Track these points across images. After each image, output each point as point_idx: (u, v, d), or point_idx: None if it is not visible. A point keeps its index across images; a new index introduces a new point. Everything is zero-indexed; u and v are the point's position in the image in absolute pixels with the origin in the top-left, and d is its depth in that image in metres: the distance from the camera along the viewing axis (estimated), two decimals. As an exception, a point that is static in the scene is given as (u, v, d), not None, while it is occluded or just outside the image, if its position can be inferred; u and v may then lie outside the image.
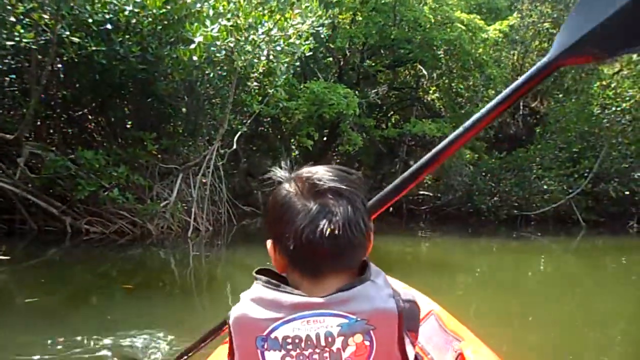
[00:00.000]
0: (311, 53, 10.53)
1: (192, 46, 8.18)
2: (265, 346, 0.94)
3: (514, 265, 10.64)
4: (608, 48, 1.23)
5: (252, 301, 0.97)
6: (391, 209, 17.46)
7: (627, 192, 15.91)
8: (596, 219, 16.44)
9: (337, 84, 14.02)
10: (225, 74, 9.80)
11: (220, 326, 1.86)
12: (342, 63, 16.85)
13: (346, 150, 15.85)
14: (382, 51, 17.23)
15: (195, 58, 8.50)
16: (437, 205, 17.99)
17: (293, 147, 17.95)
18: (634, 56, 15.09)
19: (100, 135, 11.01)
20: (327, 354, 0.93)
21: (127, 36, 8.54)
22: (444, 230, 15.70)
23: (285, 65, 9.92)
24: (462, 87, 16.95)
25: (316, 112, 13.50)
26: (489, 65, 14.88)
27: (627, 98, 14.80)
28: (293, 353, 0.93)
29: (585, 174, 15.82)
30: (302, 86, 13.69)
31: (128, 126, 10.87)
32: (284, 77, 10.56)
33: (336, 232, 0.95)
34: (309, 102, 13.26)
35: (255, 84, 10.89)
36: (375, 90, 17.28)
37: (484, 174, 17.06)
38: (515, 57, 20.87)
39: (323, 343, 0.93)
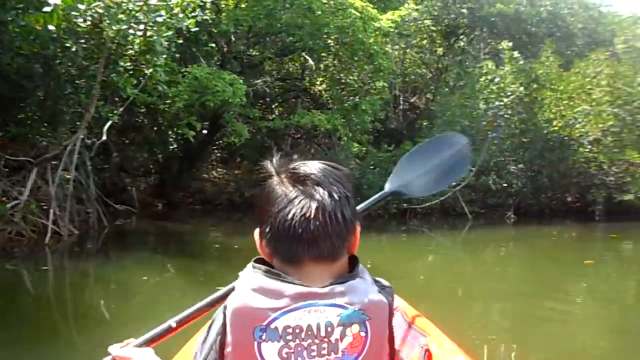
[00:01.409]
0: (197, 29, 9.23)
1: (47, 9, 6.54)
2: (264, 337, 0.93)
3: (406, 258, 10.36)
4: (415, 193, 2.02)
5: (253, 290, 0.96)
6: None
7: (504, 185, 16.57)
8: (478, 211, 16.94)
9: (222, 71, 12.84)
10: (91, 49, 8.14)
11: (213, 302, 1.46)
12: (225, 50, 15.65)
13: (230, 142, 14.68)
14: (269, 38, 16.29)
15: (51, 27, 6.90)
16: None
17: (171, 139, 16.41)
18: (516, 53, 15.74)
19: None
20: (325, 344, 0.95)
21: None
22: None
23: (167, 42, 8.44)
24: (351, 78, 16.49)
25: (198, 100, 12.22)
26: (379, 56, 14.54)
27: (509, 93, 15.28)
28: (292, 344, 0.94)
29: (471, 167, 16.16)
30: (183, 70, 12.30)
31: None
32: (165, 56, 9.03)
33: (308, 215, 0.97)
34: (190, 88, 11.94)
35: (129, 63, 9.31)
36: (260, 80, 16.33)
37: (372, 167, 16.84)
38: (397, 52, 21.10)
39: (323, 333, 0.94)
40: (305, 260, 1.00)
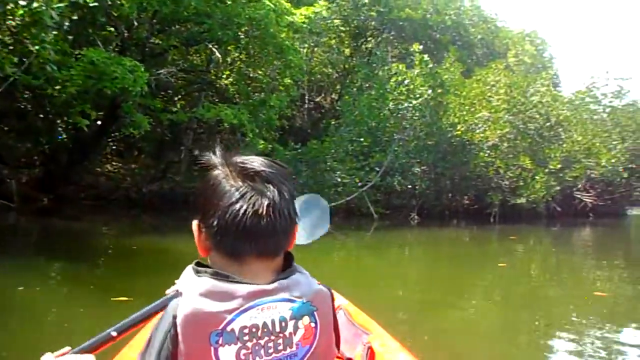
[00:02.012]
0: (96, 4, 8.18)
1: None
2: (220, 341, 0.90)
3: (309, 259, 10.01)
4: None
5: (203, 295, 0.92)
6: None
7: (409, 186, 16.90)
8: (383, 212, 17.13)
9: (122, 57, 11.76)
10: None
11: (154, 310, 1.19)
12: (125, 35, 14.43)
13: (128, 134, 13.58)
14: (175, 26, 15.30)
15: None
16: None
17: (60, 128, 14.91)
18: (426, 56, 16.07)
19: None
20: (280, 340, 0.94)
21: None
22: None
23: (59, 14, 7.34)
24: (260, 73, 15.95)
25: (94, 86, 11.08)
26: (290, 52, 14.14)
27: (417, 96, 15.54)
28: (249, 344, 0.92)
29: (377, 168, 16.29)
30: (77, 52, 11.11)
31: None
32: (55, 33, 7.86)
33: (260, 212, 0.96)
34: (85, 73, 10.79)
35: (9, 37, 8.08)
36: (164, 70, 15.31)
37: (278, 165, 16.49)
38: (305, 49, 20.91)
39: (277, 329, 0.94)
40: (249, 256, 0.98)
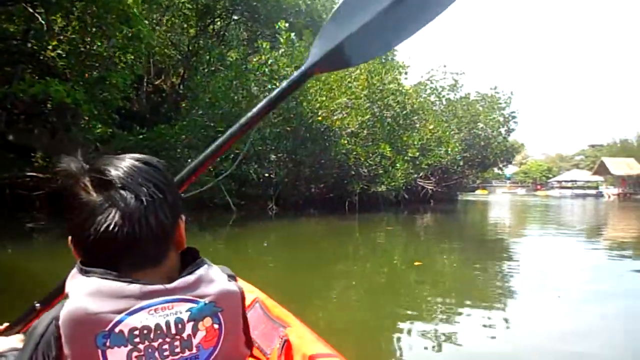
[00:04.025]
0: None
1: None
2: (108, 343, 0.84)
3: None
4: (353, 57, 1.38)
5: (89, 295, 0.85)
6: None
7: (266, 175, 15.91)
8: (239, 202, 15.92)
9: None
10: None
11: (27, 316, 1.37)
12: None
13: None
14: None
15: None
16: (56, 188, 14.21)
17: None
18: (293, 34, 15.09)
19: None
20: (177, 342, 0.89)
21: None
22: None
23: None
24: (100, 44, 13.59)
25: None
26: (139, 22, 12.20)
27: (282, 77, 14.50)
28: (141, 346, 0.86)
29: (233, 156, 14.97)
30: None
31: None
32: None
33: (112, 226, 0.87)
34: None
35: None
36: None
37: (120, 152, 14.35)
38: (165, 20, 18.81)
39: (173, 331, 0.88)
40: (125, 270, 0.88)
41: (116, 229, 0.87)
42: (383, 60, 19.92)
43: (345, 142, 15.75)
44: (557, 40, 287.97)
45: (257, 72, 14.60)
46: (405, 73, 19.21)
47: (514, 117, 30.71)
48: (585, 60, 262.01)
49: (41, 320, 0.87)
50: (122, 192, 0.88)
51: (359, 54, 1.40)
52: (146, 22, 17.23)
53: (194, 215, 14.18)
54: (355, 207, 16.92)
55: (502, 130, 30.30)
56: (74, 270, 0.90)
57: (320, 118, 15.16)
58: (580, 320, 4.91)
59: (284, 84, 1.39)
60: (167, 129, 14.74)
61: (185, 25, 21.56)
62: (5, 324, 1.24)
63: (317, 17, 21.15)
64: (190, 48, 21.46)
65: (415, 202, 24.68)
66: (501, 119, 29.83)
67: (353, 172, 16.16)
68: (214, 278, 0.94)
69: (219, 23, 21.96)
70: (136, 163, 0.93)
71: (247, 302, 1.86)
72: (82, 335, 0.83)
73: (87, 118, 13.50)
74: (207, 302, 0.91)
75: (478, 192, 64.26)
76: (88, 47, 13.92)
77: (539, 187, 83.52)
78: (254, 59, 14.93)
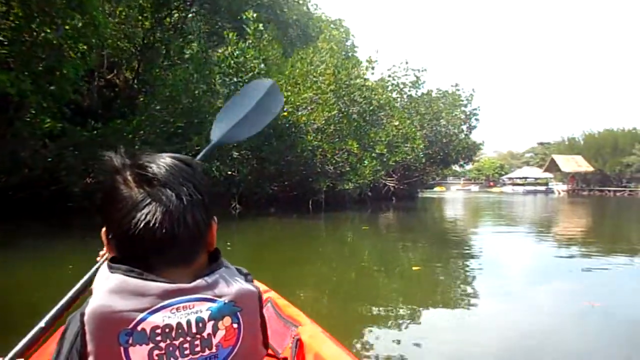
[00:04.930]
0: None
1: None
2: (130, 341, 0.84)
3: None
4: (239, 138, 1.96)
5: (113, 292, 0.86)
6: None
7: (229, 172, 15.25)
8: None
9: None
10: None
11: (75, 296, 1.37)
12: None
13: None
14: None
15: None
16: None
17: None
18: (261, 25, 14.44)
19: None
20: (198, 341, 0.88)
21: None
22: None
23: None
24: (48, 32, 12.57)
25: None
26: (93, 6, 11.36)
27: (249, 69, 13.83)
28: (162, 345, 0.86)
29: (196, 152, 14.24)
30: None
31: None
32: None
33: (153, 223, 0.87)
34: None
35: None
36: None
37: (72, 148, 13.43)
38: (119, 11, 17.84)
39: (194, 330, 0.88)
40: (157, 268, 0.89)
41: (156, 225, 0.86)
42: (349, 55, 19.62)
43: (311, 138, 15.21)
44: (507, 41, 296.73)
45: (223, 65, 13.87)
46: (372, 68, 18.95)
47: (475, 115, 31.07)
48: (533, 60, 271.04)
49: (73, 317, 0.88)
50: (164, 189, 0.88)
51: (238, 136, 1.91)
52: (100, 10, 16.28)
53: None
54: (321, 206, 16.45)
55: (464, 127, 30.60)
56: (102, 268, 0.90)
57: (285, 114, 14.57)
58: (527, 317, 4.97)
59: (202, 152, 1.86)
60: (124, 124, 13.87)
61: (140, 17, 20.55)
62: None
63: (279, 11, 20.56)
64: (146, 41, 20.46)
65: (378, 200, 24.49)
66: (463, 116, 30.08)
67: (319, 170, 15.65)
68: (233, 278, 0.94)
69: (176, 15, 21.04)
70: (177, 162, 0.93)
71: None
72: (105, 333, 0.83)
73: (34, 111, 12.54)
74: (226, 301, 0.90)
75: (436, 189, 65.13)
76: (35, 34, 12.87)
77: (491, 183, 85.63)
78: (218, 52, 14.21)
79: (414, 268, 7.61)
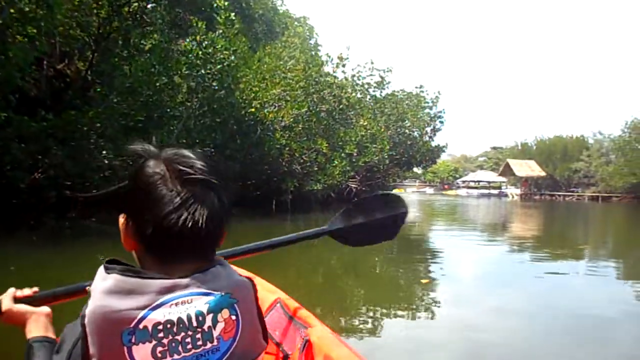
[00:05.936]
0: None
1: None
2: (133, 340, 0.84)
3: (71, 264, 7.19)
4: (351, 241, 1.98)
5: (111, 292, 0.85)
6: None
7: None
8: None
9: None
10: None
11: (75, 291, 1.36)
12: None
13: None
14: None
15: None
16: None
17: None
18: (232, 15, 13.70)
19: None
20: (199, 335, 0.89)
21: None
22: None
23: None
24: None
25: None
26: None
27: (218, 61, 12.96)
28: (165, 341, 0.86)
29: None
30: None
31: None
32: None
33: (199, 224, 0.90)
34: None
35: None
36: None
37: (17, 140, 12.38)
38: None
39: (195, 324, 0.89)
40: (180, 261, 0.92)
41: (203, 225, 0.89)
42: (313, 54, 19.10)
43: (279, 136, 14.56)
44: (464, 46, 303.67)
45: (190, 55, 13.04)
46: (343, 65, 18.53)
47: (440, 117, 31.20)
48: (487, 65, 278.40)
49: (71, 326, 0.89)
50: (209, 191, 0.92)
51: (351, 240, 1.96)
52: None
53: (108, 217, 12.51)
54: (287, 207, 15.83)
55: (428, 129, 30.64)
56: (99, 270, 0.90)
57: (253, 110, 13.87)
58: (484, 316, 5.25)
59: (309, 231, 1.98)
60: (79, 115, 12.87)
61: (95, 6, 19.45)
62: (35, 289, 1.16)
63: (245, 5, 19.84)
64: (101, 30, 19.33)
65: (342, 201, 24.14)
66: (428, 118, 30.10)
67: (286, 169, 15.03)
68: (227, 272, 0.95)
69: (135, 4, 20.01)
70: (208, 162, 0.95)
71: (269, 302, 1.92)
72: (107, 334, 0.82)
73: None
74: (223, 293, 0.91)
75: (396, 191, 65.59)
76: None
77: (446, 186, 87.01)
78: (185, 41, 13.40)
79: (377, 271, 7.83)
